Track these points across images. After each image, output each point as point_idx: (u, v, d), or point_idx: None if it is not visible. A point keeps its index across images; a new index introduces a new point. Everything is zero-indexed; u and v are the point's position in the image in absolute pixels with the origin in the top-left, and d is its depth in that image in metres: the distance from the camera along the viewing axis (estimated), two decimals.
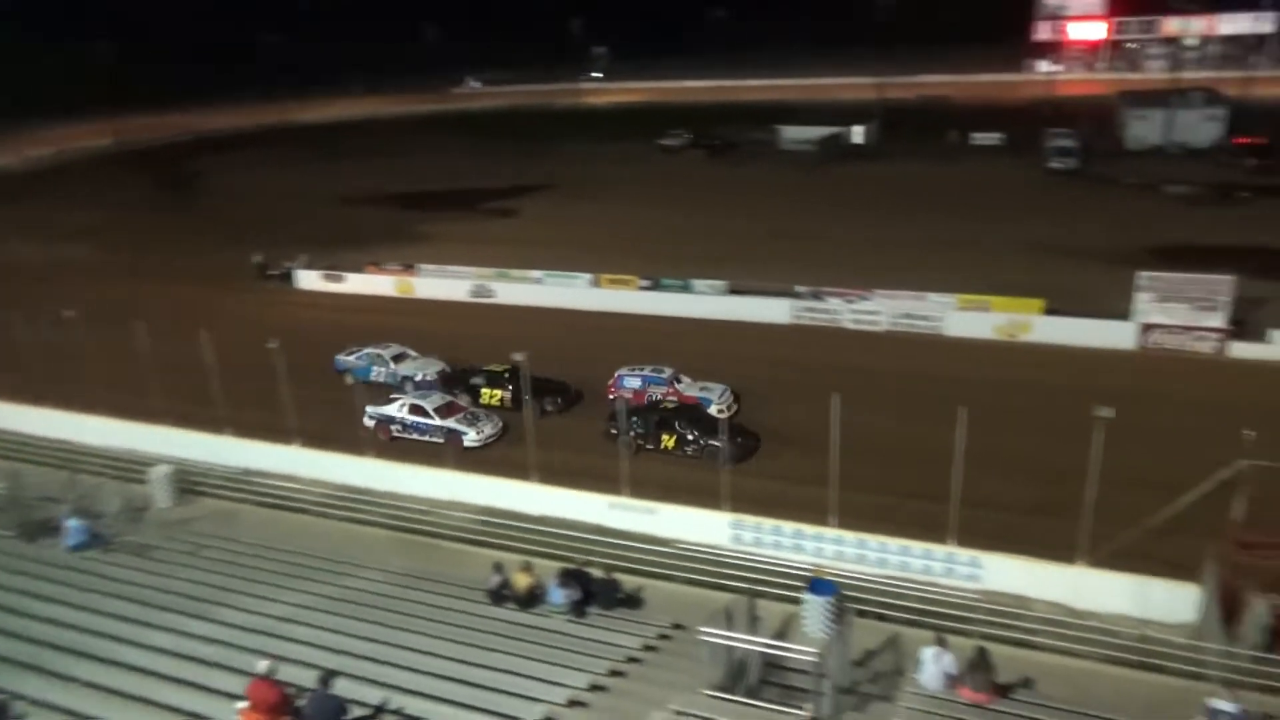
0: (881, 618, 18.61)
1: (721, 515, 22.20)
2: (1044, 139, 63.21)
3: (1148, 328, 32.68)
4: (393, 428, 28.44)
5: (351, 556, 21.15)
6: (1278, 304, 32.98)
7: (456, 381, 30.88)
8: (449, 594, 19.14)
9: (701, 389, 29.16)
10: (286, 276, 46.43)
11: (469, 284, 42.66)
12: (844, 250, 44.82)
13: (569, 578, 18.57)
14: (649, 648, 17.36)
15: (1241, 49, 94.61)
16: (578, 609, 18.32)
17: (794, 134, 73.94)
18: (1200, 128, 64.91)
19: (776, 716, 14.70)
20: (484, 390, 30.23)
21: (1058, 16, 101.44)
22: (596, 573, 19.06)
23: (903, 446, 25.27)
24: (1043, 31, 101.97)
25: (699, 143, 75.90)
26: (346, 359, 33.09)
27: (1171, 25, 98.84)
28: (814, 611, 17.62)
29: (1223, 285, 31.66)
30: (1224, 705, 14.83)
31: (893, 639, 17.76)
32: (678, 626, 17.86)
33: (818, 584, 17.96)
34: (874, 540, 20.94)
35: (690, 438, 26.25)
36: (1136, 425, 24.58)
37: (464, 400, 29.71)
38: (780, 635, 17.85)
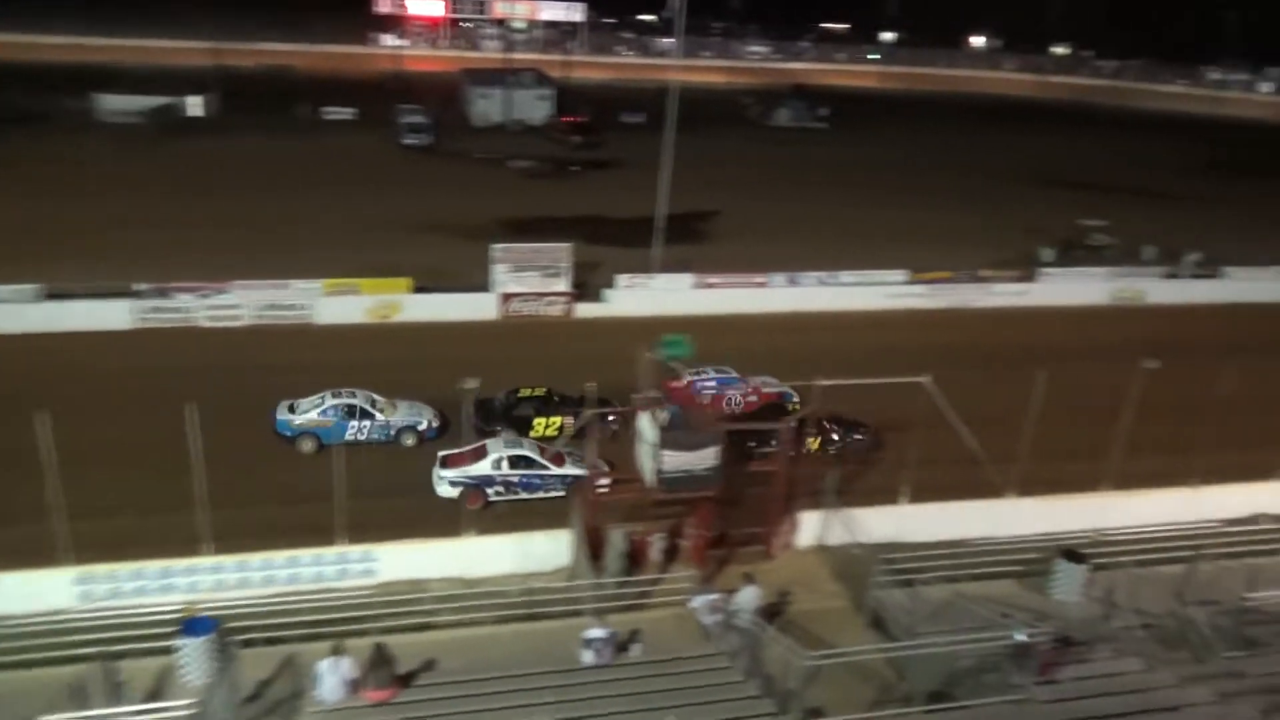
0: (273, 641, 17.97)
1: (62, 572, 19.24)
2: (396, 114, 66.42)
3: (507, 297, 36.51)
4: (490, 491, 23.51)
5: None
6: (609, 266, 39.29)
7: (491, 417, 26.24)
8: None
9: (763, 384, 29.01)
10: None
11: None
12: (193, 239, 41.79)
13: None
14: None
15: (560, 34, 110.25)
16: None
17: (117, 104, 66.74)
18: (534, 106, 74.37)
19: None
20: (537, 421, 26.47)
21: None
22: None
23: (278, 448, 24.65)
24: (384, 5, 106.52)
25: None
26: (298, 419, 25.89)
27: (499, 8, 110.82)
28: (191, 656, 16.35)
29: (563, 252, 36.70)
30: (597, 632, 17.46)
31: (288, 660, 17.29)
32: None
33: (192, 624, 16.69)
34: (256, 559, 20.09)
35: (835, 437, 26.47)
36: (502, 389, 27.62)
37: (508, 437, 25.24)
38: (156, 694, 16.23)
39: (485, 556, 21.21)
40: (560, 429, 26.53)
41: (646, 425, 20.90)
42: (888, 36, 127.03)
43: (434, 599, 19.63)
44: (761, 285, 39.56)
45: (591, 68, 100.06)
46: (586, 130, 68.72)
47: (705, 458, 20.32)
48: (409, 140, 63.77)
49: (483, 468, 23.78)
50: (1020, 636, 17.11)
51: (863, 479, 24.94)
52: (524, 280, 36.55)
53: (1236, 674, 17.76)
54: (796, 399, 28.48)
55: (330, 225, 45.19)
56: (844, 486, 23.04)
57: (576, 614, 19.16)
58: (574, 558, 21.09)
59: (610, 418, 26.05)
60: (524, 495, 23.91)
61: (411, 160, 61.20)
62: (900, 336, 35.68)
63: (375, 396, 26.78)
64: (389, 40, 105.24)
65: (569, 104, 75.23)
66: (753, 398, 28.68)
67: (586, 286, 38.09)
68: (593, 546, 20.76)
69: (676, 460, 20.17)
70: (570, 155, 63.92)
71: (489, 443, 24.49)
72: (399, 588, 20.28)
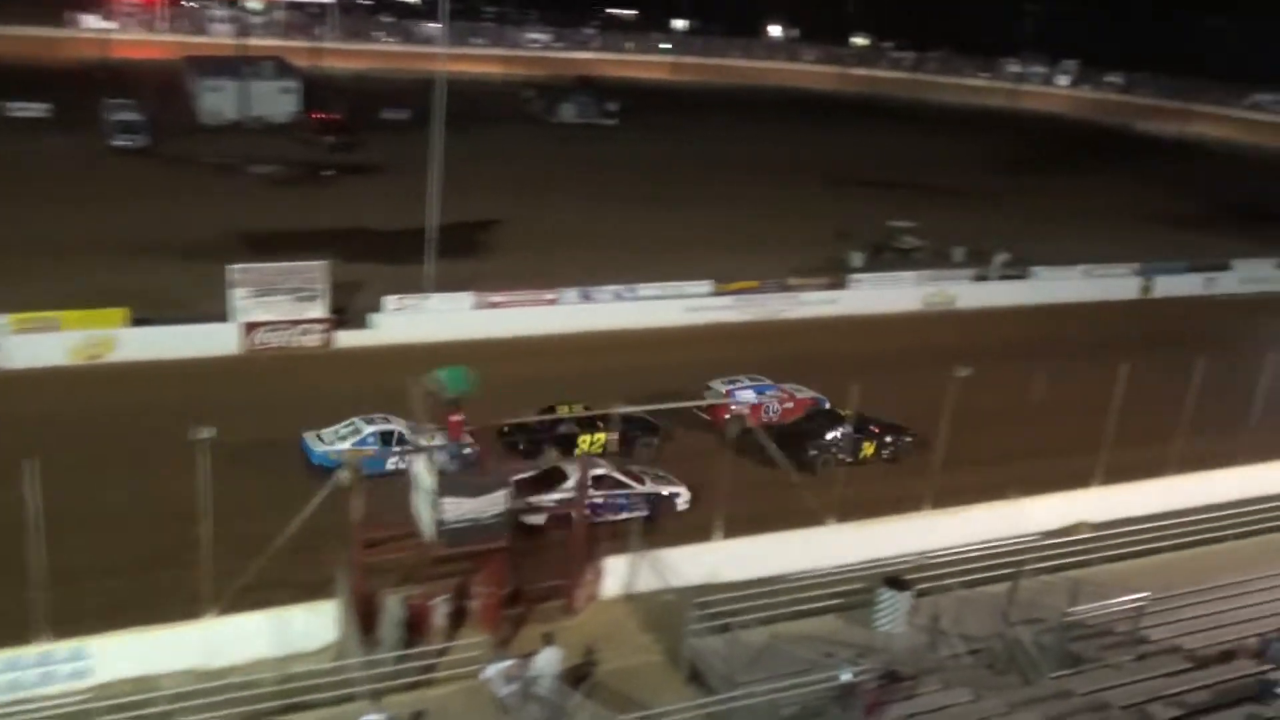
0: None
1: None
2: (103, 111, 63.33)
3: (251, 327, 34.91)
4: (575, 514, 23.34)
5: None
6: (374, 287, 38.43)
7: (534, 438, 28.08)
8: None
9: (794, 390, 32.01)
10: None
11: None
12: None
13: None
14: None
15: (306, 17, 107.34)
16: None
17: None
18: (276, 100, 72.57)
19: None
20: (581, 438, 28.45)
21: None
22: None
23: None
24: None
25: None
26: (331, 448, 26.75)
27: None
28: None
29: (317, 272, 35.55)
30: (373, 718, 16.82)
31: None
32: None
33: None
34: None
35: (889, 440, 29.33)
36: (246, 438, 26.29)
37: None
38: None
39: (231, 640, 20.01)
40: (604, 446, 28.33)
41: (423, 469, 20.40)
42: (680, 24, 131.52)
43: (167, 698, 18.33)
44: (551, 303, 39.73)
45: (345, 56, 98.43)
46: (341, 129, 67.63)
47: (492, 503, 20.03)
48: (120, 142, 60.99)
49: (566, 491, 24.38)
50: (845, 676, 17.83)
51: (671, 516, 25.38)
52: (271, 306, 35.16)
53: (1064, 694, 19.21)
54: (828, 404, 31.30)
55: (19, 247, 41.86)
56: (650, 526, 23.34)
57: (348, 699, 18.45)
58: (341, 632, 20.32)
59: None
60: (609, 517, 25.09)
61: (124, 165, 58.34)
62: (706, 353, 36.65)
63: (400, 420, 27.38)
64: (92, 22, 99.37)
65: (319, 98, 73.76)
66: (789, 404, 31.36)
67: (348, 311, 37.20)
68: (363, 617, 20.05)
69: (459, 508, 19.77)
70: (323, 158, 62.58)
71: (562, 465, 25.43)
72: (121, 688, 18.82)
